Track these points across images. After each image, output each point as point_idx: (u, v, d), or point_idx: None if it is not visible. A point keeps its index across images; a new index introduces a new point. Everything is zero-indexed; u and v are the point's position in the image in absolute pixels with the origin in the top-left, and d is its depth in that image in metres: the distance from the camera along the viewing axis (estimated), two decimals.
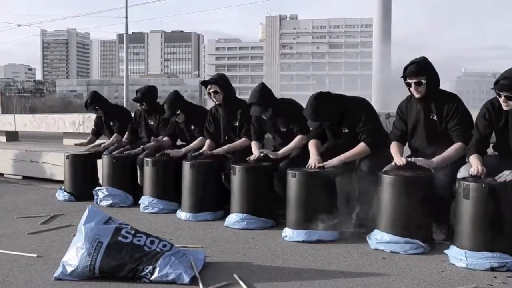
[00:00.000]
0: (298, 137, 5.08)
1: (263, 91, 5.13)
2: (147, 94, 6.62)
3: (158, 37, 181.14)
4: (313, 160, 4.62)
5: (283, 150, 5.06)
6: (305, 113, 4.70)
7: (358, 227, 4.56)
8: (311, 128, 4.93)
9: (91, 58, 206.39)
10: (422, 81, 4.24)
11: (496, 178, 3.65)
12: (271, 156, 5.02)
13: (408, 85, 4.29)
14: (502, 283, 3.29)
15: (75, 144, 7.22)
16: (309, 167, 4.58)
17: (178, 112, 6.05)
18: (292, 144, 5.08)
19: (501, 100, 3.82)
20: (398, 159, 4.24)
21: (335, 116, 4.69)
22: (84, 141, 7.36)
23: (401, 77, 4.33)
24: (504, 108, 3.85)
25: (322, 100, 4.66)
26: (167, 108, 6.04)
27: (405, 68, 4.30)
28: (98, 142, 7.33)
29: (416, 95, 4.30)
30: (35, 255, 3.99)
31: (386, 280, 3.37)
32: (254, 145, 5.34)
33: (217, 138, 5.74)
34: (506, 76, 3.75)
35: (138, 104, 6.65)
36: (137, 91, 6.71)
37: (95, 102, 7.12)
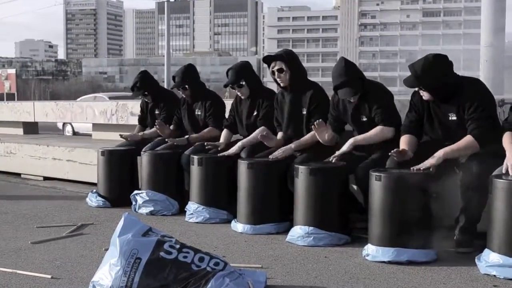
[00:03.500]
0: (379, 127, 5.04)
1: (349, 67, 5.15)
2: (187, 74, 6.71)
3: (206, 4, 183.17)
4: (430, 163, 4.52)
5: (357, 137, 5.06)
6: (414, 68, 4.63)
7: (463, 245, 4.49)
8: (404, 122, 4.89)
9: (124, 33, 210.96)
10: None
11: None
12: (344, 150, 5.00)
13: None
14: None
15: (121, 136, 7.32)
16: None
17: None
18: (370, 133, 5.05)
19: None
20: (510, 159, 4.13)
21: (449, 85, 4.62)
22: (132, 133, 7.43)
23: None
24: None
25: (443, 59, 4.63)
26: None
27: None
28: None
29: None
30: (49, 276, 4.09)
31: None
32: (327, 136, 5.34)
33: (283, 130, 5.78)
34: None
35: (181, 90, 6.76)
36: (173, 77, 6.85)
37: (145, 85, 7.24)
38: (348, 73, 5.09)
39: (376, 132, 5.05)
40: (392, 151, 4.56)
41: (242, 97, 6.18)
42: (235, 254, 4.64)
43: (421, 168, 4.43)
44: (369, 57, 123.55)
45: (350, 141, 5.06)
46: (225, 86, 6.25)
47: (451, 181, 4.59)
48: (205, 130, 6.54)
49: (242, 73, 6.09)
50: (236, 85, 6.08)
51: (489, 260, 4.00)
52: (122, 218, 3.64)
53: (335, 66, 5.20)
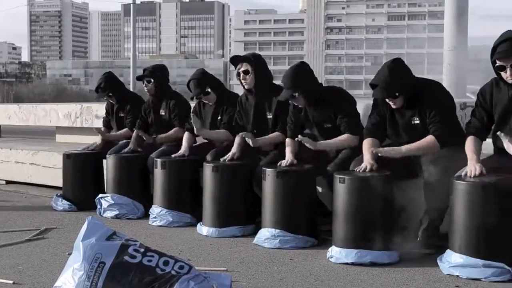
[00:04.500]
0: (346, 135, 5.08)
1: (299, 70, 5.21)
2: (156, 71, 6.70)
3: (172, 7, 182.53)
4: (367, 163, 4.61)
5: (322, 143, 5.06)
6: (376, 80, 4.69)
7: (426, 246, 4.54)
8: (366, 125, 4.93)
9: (90, 35, 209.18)
10: None
11: None
12: (309, 146, 5.00)
13: (501, 68, 4.24)
14: None
15: (96, 129, 7.25)
16: (360, 171, 4.58)
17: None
18: (335, 140, 5.07)
19: None
20: (472, 165, 4.19)
21: (414, 88, 4.69)
22: (97, 139, 7.37)
23: (493, 61, 4.27)
24: None
25: (402, 65, 4.73)
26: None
27: (494, 48, 4.25)
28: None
29: (511, 81, 4.24)
30: (11, 282, 4.03)
31: None
32: (288, 144, 5.35)
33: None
34: None
35: (145, 84, 6.69)
36: (144, 69, 6.81)
37: (110, 86, 7.18)
38: (292, 75, 5.15)
39: (341, 140, 5.08)
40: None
41: (210, 104, 6.16)
42: (200, 257, 4.63)
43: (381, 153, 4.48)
44: (335, 60, 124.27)
45: (316, 144, 5.04)
46: (192, 98, 6.28)
47: (414, 183, 4.64)
48: (172, 131, 6.51)
49: (205, 81, 6.10)
50: (202, 94, 6.07)
51: (452, 260, 4.06)
52: (86, 222, 3.61)
53: (287, 71, 5.27)
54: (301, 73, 5.22)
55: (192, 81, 6.12)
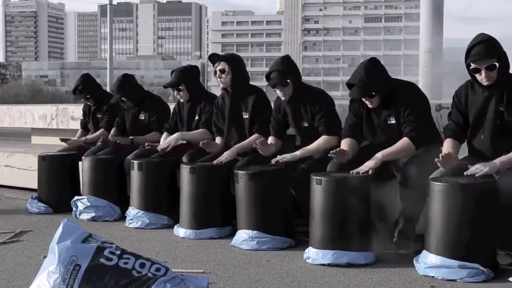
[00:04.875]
0: (324, 137, 5.11)
1: (288, 61, 5.32)
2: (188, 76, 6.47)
3: (150, 8, 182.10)
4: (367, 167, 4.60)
5: (302, 151, 5.08)
6: (353, 79, 4.73)
7: (401, 247, 4.57)
8: (344, 126, 4.96)
9: (66, 36, 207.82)
10: (496, 63, 4.23)
11: None
12: (289, 158, 5.03)
13: (476, 71, 4.28)
14: None
15: (61, 140, 7.21)
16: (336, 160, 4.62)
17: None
18: (314, 144, 5.09)
19: None
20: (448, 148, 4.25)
21: (389, 89, 4.73)
22: (72, 138, 7.31)
23: (467, 63, 4.31)
24: None
25: (378, 65, 4.77)
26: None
27: (469, 50, 4.28)
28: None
29: (486, 82, 4.28)
30: None
31: None
32: (270, 141, 5.38)
33: (223, 133, 5.83)
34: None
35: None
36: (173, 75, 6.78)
37: (87, 88, 7.14)
38: (281, 63, 5.23)
39: (320, 143, 5.09)
40: (331, 151, 4.62)
41: (181, 100, 6.21)
42: (177, 259, 4.62)
43: (360, 172, 4.50)
44: (313, 61, 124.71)
45: (297, 154, 5.06)
46: (165, 87, 6.34)
47: (390, 184, 4.67)
48: (149, 134, 6.49)
49: (183, 77, 6.11)
50: (175, 88, 6.12)
51: (427, 261, 4.08)
52: (61, 225, 3.58)
53: (273, 63, 5.33)
54: (294, 64, 5.37)
55: (173, 72, 6.23)
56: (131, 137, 6.52)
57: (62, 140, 7.18)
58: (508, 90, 4.29)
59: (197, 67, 6.54)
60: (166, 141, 5.96)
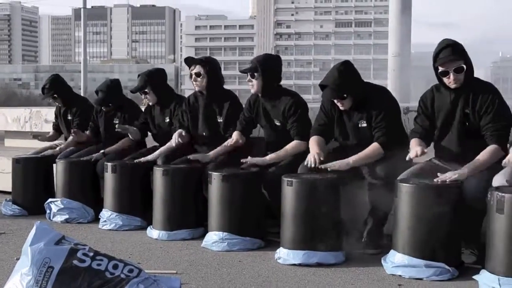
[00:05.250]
0: (295, 142, 5.11)
1: (265, 57, 5.39)
2: (112, 89, 6.65)
3: (123, 12, 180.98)
4: (313, 154, 4.66)
5: (272, 156, 5.08)
6: (326, 81, 4.76)
7: (370, 247, 4.60)
8: (314, 126, 4.99)
9: (39, 39, 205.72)
10: (463, 66, 4.29)
11: None
12: (257, 162, 5.04)
13: (444, 74, 4.32)
14: None
15: (32, 135, 7.17)
16: (307, 163, 4.63)
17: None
18: (285, 149, 5.10)
19: None
20: (414, 151, 4.29)
21: (362, 92, 4.76)
22: (45, 133, 7.37)
23: (435, 67, 4.35)
24: None
25: (351, 68, 4.80)
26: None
27: (437, 54, 4.33)
28: (56, 142, 7.33)
29: (454, 85, 4.33)
30: None
31: None
32: (235, 135, 5.39)
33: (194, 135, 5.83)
34: None
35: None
36: (96, 91, 6.77)
37: (55, 88, 7.06)
38: (263, 58, 5.31)
39: (289, 148, 5.10)
40: (305, 163, 4.67)
41: (150, 103, 6.22)
42: (150, 261, 4.60)
43: (329, 168, 4.52)
44: (285, 65, 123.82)
45: (266, 158, 5.07)
46: (131, 91, 6.37)
47: (359, 185, 4.70)
48: (121, 141, 6.43)
49: (148, 80, 6.10)
50: (142, 92, 6.15)
51: (395, 260, 4.12)
52: (34, 227, 3.54)
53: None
54: (271, 60, 5.38)
55: (139, 76, 6.23)
56: (102, 151, 6.43)
57: (34, 135, 7.17)
58: (473, 93, 4.35)
59: (163, 70, 6.51)
60: (147, 158, 5.89)
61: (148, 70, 6.38)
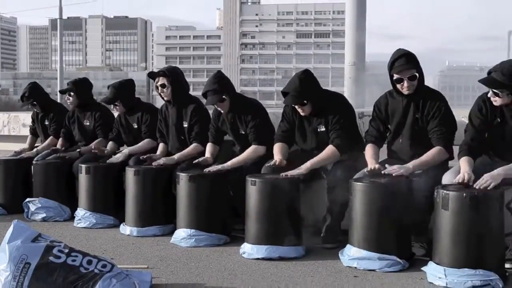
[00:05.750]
0: (252, 147, 5.08)
1: (220, 77, 5.22)
2: (79, 85, 6.61)
3: (98, 23, 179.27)
4: (277, 161, 4.69)
5: (233, 161, 5.03)
6: (287, 88, 4.76)
7: (328, 241, 4.63)
8: (278, 132, 5.00)
9: (18, 47, 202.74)
10: (416, 74, 4.35)
11: (475, 185, 3.77)
12: (219, 169, 5.01)
13: (399, 81, 4.37)
14: None
15: (15, 152, 7.01)
16: (266, 167, 4.66)
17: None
18: (243, 155, 5.07)
19: (489, 94, 4.00)
20: (371, 164, 4.33)
21: (321, 98, 4.78)
22: (25, 145, 7.21)
23: (390, 74, 4.40)
24: (494, 103, 4.02)
25: (311, 76, 4.81)
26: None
27: (392, 62, 4.38)
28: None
29: (407, 91, 4.39)
30: None
31: None
32: (208, 148, 5.35)
33: (165, 141, 5.78)
34: (494, 70, 3.94)
35: (67, 97, 6.62)
36: (68, 83, 6.73)
37: (34, 95, 6.96)
38: (216, 81, 5.15)
39: (248, 153, 5.07)
40: (267, 164, 4.72)
41: (118, 113, 6.21)
42: (123, 256, 4.57)
43: (290, 175, 4.53)
44: (250, 73, 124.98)
45: (228, 164, 5.01)
46: (101, 102, 6.39)
47: (318, 185, 4.73)
48: (95, 142, 6.37)
49: (117, 93, 6.07)
50: (111, 104, 6.13)
51: (351, 254, 4.14)
52: (12, 225, 3.51)
53: (208, 79, 5.29)
54: (227, 80, 5.30)
55: (109, 88, 6.19)
56: (78, 150, 6.40)
57: (16, 152, 7.01)
58: (423, 99, 4.41)
59: (132, 81, 6.43)
60: (115, 157, 5.88)
61: (117, 82, 6.31)
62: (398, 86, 4.41)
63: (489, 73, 4.02)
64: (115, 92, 6.08)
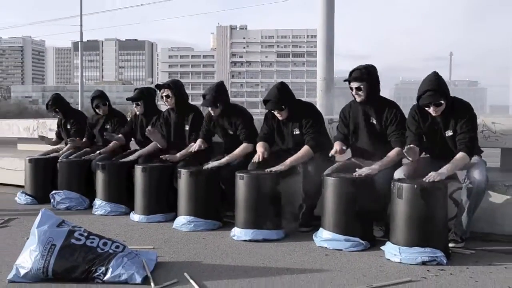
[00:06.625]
0: (244, 145, 5.10)
1: (219, 87, 5.22)
2: (103, 97, 6.65)
3: (112, 45, 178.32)
4: (259, 153, 4.70)
5: (227, 158, 5.04)
6: (269, 96, 4.77)
7: (304, 225, 4.62)
8: (260, 134, 4.99)
9: (46, 65, 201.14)
10: (361, 86, 4.37)
11: (424, 179, 3.78)
12: (215, 165, 5.00)
13: (351, 89, 4.43)
14: (435, 276, 3.40)
15: (39, 136, 7.06)
16: (255, 160, 4.66)
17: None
18: (236, 152, 5.08)
19: (431, 110, 4.01)
20: (334, 149, 4.37)
21: (295, 106, 4.78)
22: (49, 137, 7.28)
23: (344, 81, 4.47)
24: (434, 114, 4.04)
25: (287, 87, 4.83)
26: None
27: (350, 73, 4.42)
28: (59, 146, 7.24)
29: (357, 99, 4.43)
30: None
31: (329, 276, 3.42)
32: (199, 141, 5.36)
33: (168, 140, 5.75)
34: (427, 89, 3.96)
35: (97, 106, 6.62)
36: (92, 97, 6.68)
37: (56, 104, 7.02)
38: (214, 90, 5.16)
39: (239, 150, 5.08)
40: (253, 161, 4.71)
41: (137, 113, 6.15)
42: (133, 239, 4.53)
43: (272, 171, 4.52)
44: (238, 86, 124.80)
45: (222, 160, 5.02)
46: (127, 99, 6.20)
47: (295, 178, 4.73)
48: (111, 144, 6.35)
49: (142, 95, 6.08)
50: (134, 102, 6.07)
51: (322, 236, 4.14)
52: (40, 213, 3.48)
53: (210, 87, 5.27)
54: (224, 90, 5.29)
55: (136, 90, 6.16)
56: (98, 151, 6.36)
57: (40, 136, 7.10)
58: (377, 107, 4.43)
59: (154, 89, 6.43)
60: (128, 158, 5.83)
61: (144, 86, 6.32)
62: (355, 95, 4.44)
63: (419, 97, 4.03)
64: (140, 93, 6.06)
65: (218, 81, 5.44)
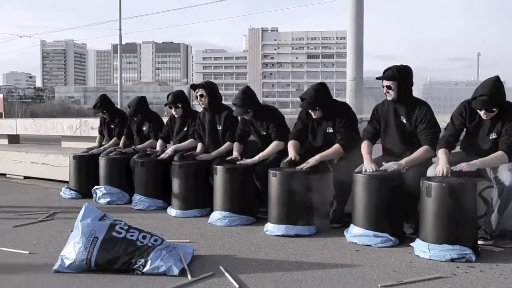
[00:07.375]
0: (275, 142, 5.09)
1: (246, 94, 5.20)
2: (140, 104, 6.64)
3: (149, 47, 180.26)
4: (290, 156, 4.66)
5: (260, 155, 5.04)
6: (305, 95, 4.74)
7: (335, 222, 4.59)
8: (292, 131, 4.97)
9: (87, 67, 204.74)
10: (392, 85, 4.30)
11: (453, 168, 3.72)
12: (249, 162, 5.00)
13: (383, 87, 4.37)
14: (465, 273, 3.33)
15: (88, 149, 7.10)
16: (283, 163, 4.62)
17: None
18: (268, 149, 5.07)
19: (482, 113, 3.91)
20: (367, 165, 4.26)
21: (330, 105, 4.74)
22: (94, 144, 7.34)
23: (376, 78, 4.41)
24: (484, 117, 3.94)
25: (325, 88, 4.77)
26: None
27: (384, 72, 4.37)
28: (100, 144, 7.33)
29: (388, 98, 4.37)
30: (27, 252, 3.91)
31: (360, 271, 3.39)
32: (235, 146, 5.36)
33: (203, 141, 5.77)
34: (483, 93, 3.84)
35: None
36: (129, 105, 6.78)
37: (104, 105, 7.12)
38: (241, 97, 5.14)
39: (271, 147, 5.06)
40: (284, 161, 4.66)
41: (176, 116, 6.14)
42: (170, 233, 4.57)
43: (303, 168, 4.50)
44: (270, 87, 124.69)
45: (255, 158, 5.02)
46: (166, 105, 6.23)
47: (326, 176, 4.70)
48: (147, 142, 6.46)
49: (180, 98, 6.06)
50: (173, 106, 6.04)
51: (353, 232, 4.11)
52: (83, 207, 3.55)
53: (238, 91, 5.28)
54: (252, 95, 5.25)
55: (171, 94, 6.15)
56: (133, 147, 6.46)
57: (88, 149, 7.10)
58: (408, 106, 4.36)
59: (180, 92, 6.41)
60: (165, 153, 5.88)
61: (178, 90, 6.34)
62: (384, 92, 4.38)
63: (474, 97, 3.90)
64: (176, 97, 6.06)
65: (244, 87, 5.41)
